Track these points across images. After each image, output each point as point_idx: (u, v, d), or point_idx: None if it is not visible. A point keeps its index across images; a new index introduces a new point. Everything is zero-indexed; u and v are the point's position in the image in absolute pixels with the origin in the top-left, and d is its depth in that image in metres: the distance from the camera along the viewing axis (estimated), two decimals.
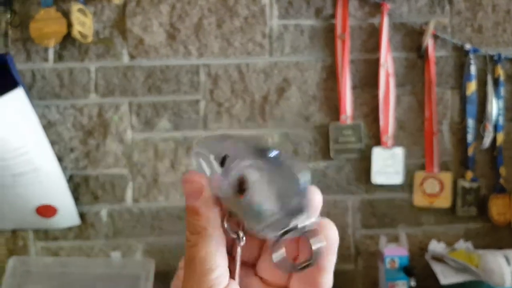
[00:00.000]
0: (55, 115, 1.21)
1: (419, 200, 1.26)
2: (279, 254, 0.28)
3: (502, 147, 1.24)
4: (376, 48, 1.22)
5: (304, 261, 0.28)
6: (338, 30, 1.22)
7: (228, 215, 0.29)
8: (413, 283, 1.17)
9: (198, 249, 0.28)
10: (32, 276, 1.19)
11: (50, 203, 1.16)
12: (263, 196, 0.26)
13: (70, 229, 1.23)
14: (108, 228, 1.24)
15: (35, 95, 1.20)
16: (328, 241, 0.28)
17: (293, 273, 0.28)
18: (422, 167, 1.25)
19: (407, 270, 1.17)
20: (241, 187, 0.27)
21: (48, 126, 1.20)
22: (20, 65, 1.18)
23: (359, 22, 1.23)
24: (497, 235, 1.26)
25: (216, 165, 0.28)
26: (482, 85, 1.24)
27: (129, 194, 1.23)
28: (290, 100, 1.24)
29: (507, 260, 1.11)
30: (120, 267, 1.17)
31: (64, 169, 1.19)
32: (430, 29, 1.20)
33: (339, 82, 1.22)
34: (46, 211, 1.17)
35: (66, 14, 1.15)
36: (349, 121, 1.23)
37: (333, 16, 1.23)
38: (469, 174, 1.25)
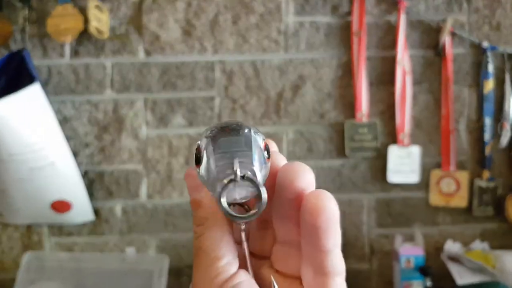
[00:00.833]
0: (70, 111, 1.22)
1: (435, 199, 1.24)
2: (225, 207, 0.26)
3: None
4: (393, 45, 1.21)
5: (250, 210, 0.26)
6: (355, 27, 1.21)
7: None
8: (428, 283, 1.16)
9: (203, 239, 0.27)
10: (46, 271, 1.19)
11: (65, 198, 1.16)
12: (211, 161, 0.26)
13: (84, 224, 1.23)
14: (122, 224, 1.24)
15: (51, 91, 1.20)
16: (326, 214, 0.25)
17: (241, 223, 0.27)
18: (439, 166, 1.24)
19: (423, 270, 1.16)
20: (197, 157, 0.27)
21: (63, 122, 1.21)
22: (36, 61, 1.18)
23: (376, 19, 1.22)
24: None
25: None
26: (499, 83, 1.23)
27: (143, 190, 1.23)
28: (305, 97, 1.23)
29: None
30: (134, 262, 1.17)
31: (79, 164, 1.20)
32: (448, 26, 1.19)
33: (355, 80, 1.21)
34: (61, 206, 1.17)
35: (83, 11, 1.15)
36: (365, 119, 1.22)
37: (349, 13, 1.22)
38: (486, 174, 1.23)
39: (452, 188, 1.23)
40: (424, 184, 1.24)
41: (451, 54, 1.22)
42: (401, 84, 1.21)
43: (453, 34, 1.22)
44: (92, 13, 1.14)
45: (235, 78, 1.22)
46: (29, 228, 1.24)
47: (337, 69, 1.23)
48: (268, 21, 1.21)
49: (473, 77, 1.24)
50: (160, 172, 1.23)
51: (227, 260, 0.27)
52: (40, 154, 1.10)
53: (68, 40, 1.16)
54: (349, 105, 1.23)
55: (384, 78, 1.23)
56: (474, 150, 1.24)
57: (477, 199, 1.24)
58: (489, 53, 1.21)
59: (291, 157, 1.22)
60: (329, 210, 0.25)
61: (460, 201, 1.24)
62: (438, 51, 1.22)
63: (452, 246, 1.24)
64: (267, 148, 0.27)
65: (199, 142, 0.27)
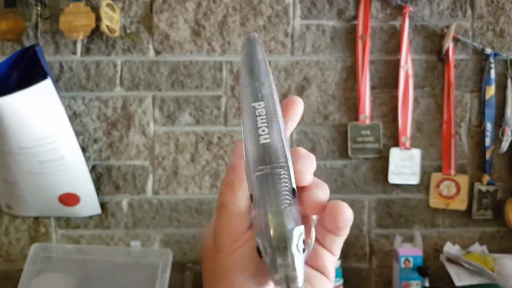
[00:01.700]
0: (80, 107, 1.24)
1: (435, 201, 1.27)
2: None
3: None
4: (397, 49, 1.24)
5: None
6: (360, 31, 1.23)
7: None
8: (427, 283, 1.18)
9: (228, 196, 0.32)
10: (53, 263, 1.21)
11: (73, 191, 1.19)
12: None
13: (91, 218, 1.26)
14: (128, 218, 1.27)
15: (62, 87, 1.23)
16: (341, 223, 0.32)
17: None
18: (439, 169, 1.26)
19: (421, 270, 1.18)
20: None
21: (73, 117, 1.23)
22: (48, 57, 1.21)
23: (381, 24, 1.25)
24: None
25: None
26: (501, 89, 1.25)
27: (149, 186, 1.26)
28: (310, 99, 1.26)
29: None
30: (139, 256, 1.19)
31: (87, 159, 1.23)
32: (451, 32, 1.21)
33: (359, 82, 1.24)
34: (69, 199, 1.20)
35: (95, 9, 1.18)
36: (367, 121, 1.24)
37: (355, 17, 1.24)
38: (486, 178, 1.25)
39: (452, 191, 1.26)
40: (425, 186, 1.26)
41: (453, 59, 1.24)
42: (403, 88, 1.24)
43: (456, 40, 1.24)
44: (104, 11, 1.17)
45: None
46: (36, 220, 1.27)
47: (342, 71, 1.26)
48: (276, 23, 1.24)
49: (475, 83, 1.26)
50: (166, 168, 1.26)
51: (245, 216, 0.32)
52: (50, 148, 1.13)
53: (80, 37, 1.19)
54: (352, 107, 1.25)
55: (387, 81, 1.25)
56: (474, 154, 1.27)
57: (477, 203, 1.26)
58: (492, 59, 1.23)
59: None
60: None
61: (460, 204, 1.26)
62: (441, 56, 1.24)
63: (451, 248, 1.26)
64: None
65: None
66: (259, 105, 0.32)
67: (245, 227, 0.32)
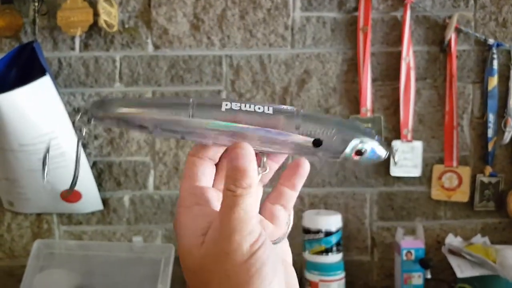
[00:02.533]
0: (80, 103, 1.24)
1: (436, 193, 1.26)
2: None
3: None
4: (398, 41, 1.22)
5: None
6: (361, 22, 1.22)
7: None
8: (428, 275, 1.19)
9: (242, 200, 0.34)
10: (55, 259, 1.22)
11: (75, 188, 1.19)
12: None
13: (93, 214, 1.26)
14: (130, 214, 1.27)
15: (61, 83, 1.23)
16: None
17: None
18: (441, 161, 1.26)
19: (423, 262, 1.18)
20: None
21: (73, 113, 1.23)
22: (47, 53, 1.20)
23: (382, 15, 1.23)
24: None
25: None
26: (504, 80, 1.24)
27: (150, 181, 1.26)
28: (311, 92, 1.25)
29: None
30: (141, 251, 1.20)
31: (88, 155, 1.22)
32: (453, 22, 1.20)
33: (360, 75, 1.23)
34: (71, 196, 1.20)
35: (93, 4, 1.17)
36: (369, 114, 1.23)
37: (355, 9, 1.23)
38: (488, 169, 1.25)
39: (454, 183, 1.25)
40: (426, 178, 1.26)
41: (456, 50, 1.23)
42: (405, 80, 1.23)
43: (458, 31, 1.23)
44: (102, 6, 1.15)
45: (242, 72, 1.24)
46: (39, 216, 1.27)
47: (343, 64, 1.24)
48: (275, 16, 1.23)
49: (477, 74, 1.25)
50: (167, 164, 1.25)
51: (257, 219, 0.35)
52: (51, 144, 1.13)
53: (78, 33, 1.18)
54: (354, 100, 1.25)
55: (389, 73, 1.24)
56: (477, 146, 1.26)
57: (479, 194, 1.26)
58: (494, 50, 1.22)
59: None
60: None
61: (462, 196, 1.25)
62: (444, 47, 1.23)
63: (453, 240, 1.26)
64: None
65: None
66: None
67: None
